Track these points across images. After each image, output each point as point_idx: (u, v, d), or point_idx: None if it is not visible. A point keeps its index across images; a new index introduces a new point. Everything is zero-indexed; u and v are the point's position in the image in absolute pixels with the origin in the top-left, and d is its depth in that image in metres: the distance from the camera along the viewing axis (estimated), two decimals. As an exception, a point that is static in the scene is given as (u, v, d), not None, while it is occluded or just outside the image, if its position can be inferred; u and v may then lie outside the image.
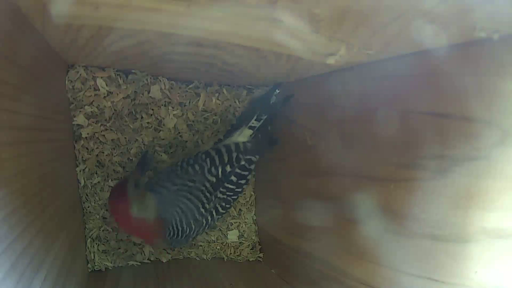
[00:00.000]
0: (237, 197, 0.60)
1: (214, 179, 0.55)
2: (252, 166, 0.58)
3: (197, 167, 0.55)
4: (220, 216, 0.59)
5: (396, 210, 0.37)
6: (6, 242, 0.27)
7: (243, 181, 0.58)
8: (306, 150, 0.54)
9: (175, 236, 0.55)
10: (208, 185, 0.55)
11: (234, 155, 0.56)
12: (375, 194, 0.40)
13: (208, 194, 0.55)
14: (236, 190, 0.58)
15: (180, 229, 0.54)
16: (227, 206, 0.59)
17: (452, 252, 0.32)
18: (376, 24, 0.31)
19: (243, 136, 0.58)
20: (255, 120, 0.58)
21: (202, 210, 0.55)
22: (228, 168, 0.55)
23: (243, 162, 0.56)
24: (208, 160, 0.55)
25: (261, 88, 0.67)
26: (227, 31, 0.37)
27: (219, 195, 0.56)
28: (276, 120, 0.61)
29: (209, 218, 0.57)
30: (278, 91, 0.59)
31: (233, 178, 0.56)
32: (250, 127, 0.58)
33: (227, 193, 0.57)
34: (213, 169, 0.55)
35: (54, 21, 0.35)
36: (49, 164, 0.43)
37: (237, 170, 0.56)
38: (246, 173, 0.57)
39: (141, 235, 0.56)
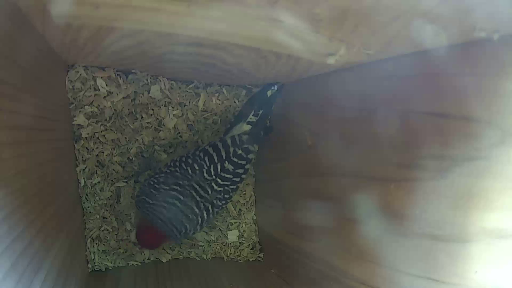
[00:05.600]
0: (236, 187, 0.59)
1: (212, 178, 0.55)
2: (250, 156, 0.57)
3: (196, 167, 0.55)
4: (218, 209, 0.58)
5: (396, 210, 0.37)
6: (6, 242, 0.27)
7: (240, 171, 0.57)
8: (306, 150, 0.54)
9: (176, 236, 0.56)
10: (203, 184, 0.55)
11: (231, 149, 0.55)
12: (375, 194, 0.40)
13: (201, 192, 0.55)
14: (234, 179, 0.57)
15: (173, 229, 0.55)
16: (226, 196, 0.58)
17: (452, 252, 0.32)
18: (376, 24, 0.31)
19: (242, 131, 0.59)
20: (253, 115, 0.59)
21: (196, 209, 0.55)
22: (226, 164, 0.56)
23: (239, 152, 0.56)
24: (206, 158, 0.55)
25: (260, 88, 0.67)
26: (227, 31, 0.37)
27: (216, 187, 0.56)
28: (273, 116, 0.62)
29: (205, 214, 0.56)
30: (276, 88, 0.60)
31: (229, 167, 0.55)
32: (249, 123, 0.58)
33: (224, 182, 0.56)
34: (212, 168, 0.55)
35: (54, 21, 0.35)
36: (49, 164, 0.43)
37: (234, 159, 0.56)
38: (244, 162, 0.56)
39: (152, 244, 0.60)
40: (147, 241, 0.58)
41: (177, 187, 0.54)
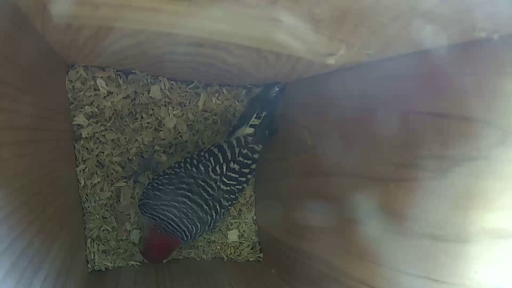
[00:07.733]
0: (242, 187, 0.59)
1: (218, 177, 0.55)
2: (256, 156, 0.57)
3: (201, 167, 0.55)
4: (225, 210, 0.58)
5: (396, 210, 0.37)
6: (6, 242, 0.27)
7: (246, 170, 0.57)
8: (306, 150, 0.54)
9: (186, 238, 0.55)
10: (210, 181, 0.55)
11: (237, 150, 0.56)
12: (375, 194, 0.40)
13: (209, 189, 0.55)
14: (240, 179, 0.57)
15: (185, 229, 0.54)
16: (232, 196, 0.57)
17: (452, 252, 0.32)
18: (376, 24, 0.31)
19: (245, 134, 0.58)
20: (255, 118, 0.58)
21: (206, 207, 0.55)
22: (232, 164, 0.55)
23: (245, 151, 0.56)
24: (212, 159, 0.55)
25: (260, 88, 0.67)
26: (227, 31, 0.37)
27: (222, 186, 0.56)
28: (275, 117, 0.61)
29: (214, 213, 0.56)
30: (278, 88, 0.59)
31: (235, 166, 0.56)
32: (251, 125, 0.58)
33: (229, 181, 0.56)
34: (217, 167, 0.55)
35: (54, 21, 0.35)
36: (49, 164, 0.43)
37: (239, 158, 0.56)
38: (249, 161, 0.56)
39: (163, 251, 0.60)
40: (156, 257, 0.59)
41: (184, 185, 0.54)
